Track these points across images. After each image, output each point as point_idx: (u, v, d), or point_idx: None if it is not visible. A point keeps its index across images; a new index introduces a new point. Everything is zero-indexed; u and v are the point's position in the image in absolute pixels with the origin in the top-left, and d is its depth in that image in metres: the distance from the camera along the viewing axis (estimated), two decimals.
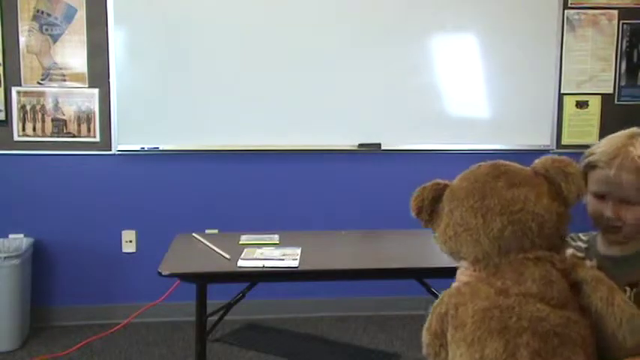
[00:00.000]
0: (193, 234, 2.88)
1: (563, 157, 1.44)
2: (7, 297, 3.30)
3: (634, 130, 1.49)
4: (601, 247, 1.56)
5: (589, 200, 1.50)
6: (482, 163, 1.54)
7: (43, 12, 3.52)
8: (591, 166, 1.48)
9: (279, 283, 3.42)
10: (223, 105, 3.64)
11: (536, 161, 1.49)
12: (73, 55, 3.56)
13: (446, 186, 1.53)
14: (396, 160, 3.81)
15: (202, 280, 2.51)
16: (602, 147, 1.48)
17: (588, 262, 1.46)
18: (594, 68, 3.89)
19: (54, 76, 3.56)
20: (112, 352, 3.36)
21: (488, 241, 1.33)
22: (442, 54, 3.76)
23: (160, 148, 3.63)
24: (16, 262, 3.31)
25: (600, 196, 1.47)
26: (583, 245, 1.61)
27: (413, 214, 1.60)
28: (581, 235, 1.66)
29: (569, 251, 1.47)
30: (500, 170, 1.46)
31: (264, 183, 3.77)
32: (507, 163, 1.51)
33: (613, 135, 1.50)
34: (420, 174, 4.07)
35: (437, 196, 1.52)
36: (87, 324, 3.63)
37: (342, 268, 2.60)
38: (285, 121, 3.68)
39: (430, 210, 1.55)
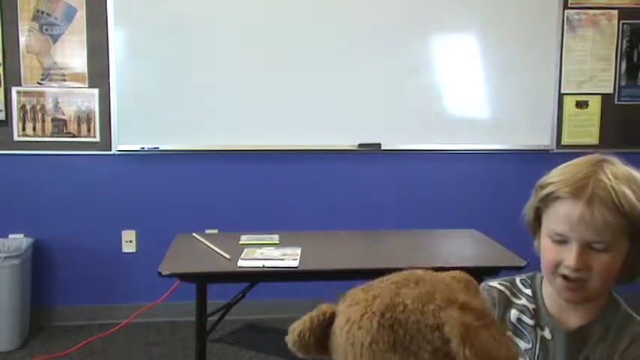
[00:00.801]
0: (193, 234, 2.89)
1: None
2: (7, 297, 3.30)
3: (596, 156, 1.16)
4: (553, 309, 1.21)
5: (544, 246, 1.16)
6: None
7: (43, 12, 3.52)
8: (551, 200, 1.14)
9: (279, 283, 3.42)
10: (223, 105, 3.64)
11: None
12: (73, 55, 3.56)
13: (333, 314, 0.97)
14: (396, 160, 3.81)
15: (202, 280, 2.51)
16: (561, 175, 1.15)
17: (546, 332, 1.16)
18: (594, 68, 3.89)
19: (54, 76, 3.56)
20: (112, 352, 3.36)
21: None
22: (442, 54, 3.76)
23: (160, 148, 3.63)
24: (16, 262, 3.31)
25: (560, 240, 1.12)
26: (530, 305, 1.23)
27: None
28: (520, 283, 1.27)
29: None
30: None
31: (264, 183, 3.77)
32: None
33: (570, 162, 1.18)
34: (420, 174, 4.12)
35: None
36: (87, 324, 3.63)
37: (342, 268, 2.60)
38: (285, 121, 3.68)
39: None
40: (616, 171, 1.11)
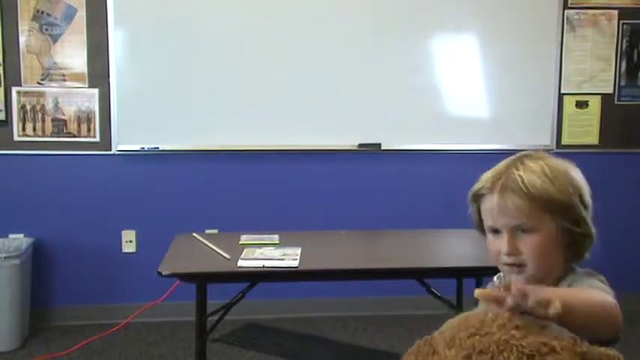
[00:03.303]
0: (193, 234, 2.89)
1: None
2: (7, 297, 3.30)
3: (522, 153, 1.29)
4: None
5: (487, 241, 1.28)
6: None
7: (43, 12, 3.52)
8: (479, 197, 1.28)
9: (279, 283, 3.42)
10: (223, 105, 3.64)
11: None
12: (73, 55, 3.56)
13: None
14: (396, 160, 3.81)
15: (202, 280, 2.51)
16: (485, 176, 1.29)
17: None
18: (594, 68, 3.89)
19: (54, 76, 3.56)
20: (112, 352, 3.35)
21: None
22: (442, 54, 3.76)
23: (160, 148, 3.63)
24: (16, 262, 3.31)
25: (495, 232, 1.24)
26: None
27: None
28: (497, 278, 1.39)
29: None
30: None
31: (264, 183, 3.77)
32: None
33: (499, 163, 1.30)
34: (420, 174, 4.12)
35: None
36: (87, 324, 3.63)
37: (342, 268, 2.60)
38: (285, 121, 3.68)
39: None
40: (530, 163, 1.24)
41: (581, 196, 1.26)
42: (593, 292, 1.17)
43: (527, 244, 1.21)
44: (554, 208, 1.21)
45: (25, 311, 3.47)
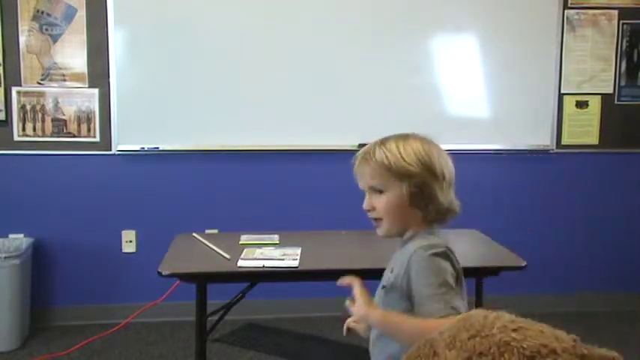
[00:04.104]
0: (193, 234, 2.88)
1: None
2: (7, 297, 3.30)
3: (395, 134, 1.61)
4: None
5: None
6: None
7: (43, 12, 3.52)
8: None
9: (279, 283, 3.42)
10: (223, 105, 3.64)
11: None
12: (73, 55, 3.56)
13: None
14: None
15: (202, 280, 2.51)
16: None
17: None
18: (594, 68, 3.89)
19: (54, 76, 3.56)
20: (112, 352, 3.35)
21: None
22: (442, 54, 3.76)
23: (160, 148, 3.63)
24: (16, 262, 3.31)
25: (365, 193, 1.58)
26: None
27: None
28: None
29: None
30: None
31: (264, 183, 3.77)
32: None
33: None
34: None
35: None
36: (87, 324, 3.63)
37: (342, 268, 2.59)
38: (285, 121, 3.68)
39: None
40: (390, 142, 1.57)
41: (430, 170, 1.52)
42: (421, 325, 1.35)
43: (379, 202, 1.55)
44: (400, 175, 1.51)
45: (25, 311, 3.47)
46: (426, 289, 1.42)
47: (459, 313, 1.21)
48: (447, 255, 1.48)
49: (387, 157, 1.53)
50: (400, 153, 1.54)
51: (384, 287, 1.61)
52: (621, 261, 4.05)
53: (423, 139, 1.60)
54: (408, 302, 1.48)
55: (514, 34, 3.77)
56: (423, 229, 1.56)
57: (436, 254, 1.46)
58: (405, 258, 1.50)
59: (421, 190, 1.52)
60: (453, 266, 1.49)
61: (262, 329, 3.69)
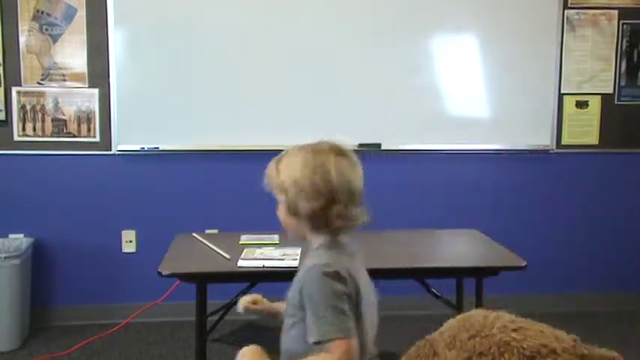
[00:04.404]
0: (193, 234, 2.88)
1: None
2: (7, 297, 3.30)
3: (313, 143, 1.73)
4: None
5: None
6: None
7: (43, 12, 3.52)
8: None
9: (279, 283, 3.41)
10: (223, 105, 3.64)
11: None
12: (73, 55, 3.56)
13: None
14: (396, 160, 3.81)
15: (202, 280, 2.51)
16: None
17: None
18: (594, 68, 3.89)
19: (54, 76, 3.56)
20: (112, 352, 3.35)
21: None
22: (442, 54, 3.76)
23: (160, 148, 3.63)
24: (16, 262, 3.31)
25: None
26: None
27: None
28: None
29: None
30: None
31: (264, 183, 3.76)
32: None
33: None
34: (420, 174, 4.12)
35: None
36: (87, 324, 3.63)
37: None
38: (285, 121, 3.68)
39: None
40: (286, 156, 1.72)
41: (297, 184, 1.62)
42: None
43: (280, 211, 1.71)
44: (279, 189, 1.68)
45: (25, 311, 3.47)
46: (314, 310, 1.48)
47: (348, 337, 1.43)
48: (338, 275, 1.49)
49: (269, 170, 1.70)
50: (278, 168, 1.67)
51: (290, 291, 1.66)
52: (621, 261, 4.05)
53: (319, 153, 1.67)
54: (304, 312, 1.55)
55: (514, 34, 3.77)
56: (327, 239, 1.63)
57: (327, 274, 1.49)
58: (303, 271, 1.58)
59: (296, 204, 1.62)
60: (346, 285, 1.49)
61: (262, 329, 3.69)
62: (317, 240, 1.64)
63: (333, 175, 1.63)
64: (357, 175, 1.75)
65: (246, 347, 1.83)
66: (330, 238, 1.62)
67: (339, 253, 1.58)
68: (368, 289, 1.60)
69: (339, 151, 1.72)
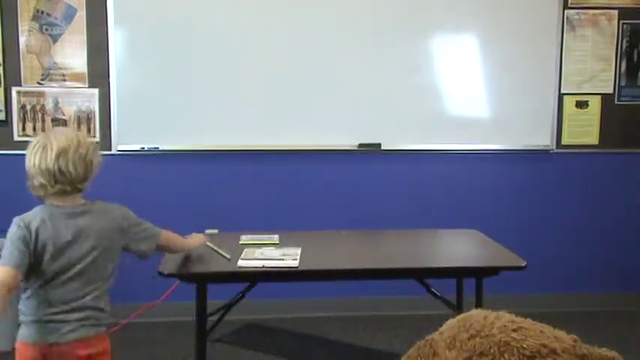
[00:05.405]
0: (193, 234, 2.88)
1: None
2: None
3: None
4: None
5: None
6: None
7: (43, 12, 3.52)
8: None
9: (279, 283, 3.42)
10: (223, 105, 3.64)
11: None
12: (73, 55, 3.56)
13: None
14: (396, 160, 3.81)
15: (202, 280, 2.51)
16: None
17: None
18: (594, 68, 3.89)
19: (54, 76, 3.56)
20: (112, 352, 3.35)
21: None
22: (442, 54, 3.76)
23: (160, 148, 3.63)
24: None
25: None
26: None
27: None
28: None
29: None
30: None
31: (264, 183, 3.77)
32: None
33: None
34: (420, 174, 4.11)
35: None
36: None
37: (342, 268, 2.60)
38: (285, 121, 3.68)
39: None
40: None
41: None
42: None
43: None
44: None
45: None
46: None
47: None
48: (17, 225, 2.08)
49: None
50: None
51: None
52: (621, 261, 4.05)
53: (43, 136, 2.11)
54: None
55: (514, 34, 3.77)
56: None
57: (15, 222, 2.08)
58: None
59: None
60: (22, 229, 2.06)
61: (262, 329, 3.69)
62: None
63: (35, 154, 2.16)
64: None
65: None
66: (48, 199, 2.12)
67: (36, 211, 2.13)
68: (58, 234, 2.05)
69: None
